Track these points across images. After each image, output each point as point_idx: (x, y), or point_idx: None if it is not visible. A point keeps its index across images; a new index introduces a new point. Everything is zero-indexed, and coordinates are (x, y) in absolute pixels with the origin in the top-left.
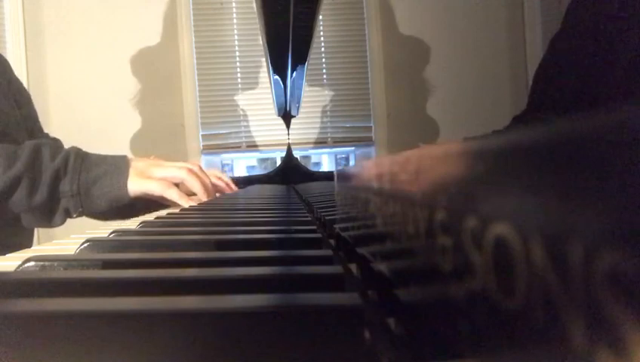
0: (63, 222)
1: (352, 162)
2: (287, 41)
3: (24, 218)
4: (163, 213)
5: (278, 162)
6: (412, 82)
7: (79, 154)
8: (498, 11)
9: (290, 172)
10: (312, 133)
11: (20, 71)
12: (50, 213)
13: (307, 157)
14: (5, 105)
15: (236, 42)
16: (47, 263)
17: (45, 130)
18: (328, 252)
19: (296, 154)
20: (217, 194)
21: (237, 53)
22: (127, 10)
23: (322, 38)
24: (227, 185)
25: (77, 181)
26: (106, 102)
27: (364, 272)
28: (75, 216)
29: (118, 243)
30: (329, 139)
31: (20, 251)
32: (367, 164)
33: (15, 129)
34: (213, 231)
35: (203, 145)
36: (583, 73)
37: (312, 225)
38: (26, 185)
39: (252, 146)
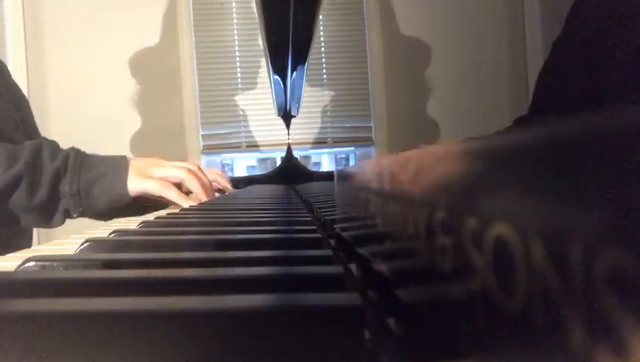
0: (62, 222)
1: (352, 162)
2: (287, 41)
3: (23, 218)
4: (163, 213)
5: (278, 162)
6: (412, 82)
7: (79, 155)
8: (498, 11)
9: (290, 172)
10: (312, 133)
11: (19, 71)
12: (50, 213)
13: (307, 158)
14: (3, 107)
15: (236, 42)
16: (47, 263)
17: (45, 132)
18: (328, 252)
19: (296, 154)
20: (217, 194)
21: (237, 53)
22: (127, 10)
23: (322, 38)
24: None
25: (77, 181)
26: (106, 102)
27: (364, 272)
28: (74, 216)
29: (118, 243)
30: (329, 139)
31: (20, 251)
32: (367, 164)
33: (12, 131)
34: (213, 231)
35: (203, 145)
36: (585, 77)
37: (312, 225)
38: (26, 185)
39: (252, 146)
